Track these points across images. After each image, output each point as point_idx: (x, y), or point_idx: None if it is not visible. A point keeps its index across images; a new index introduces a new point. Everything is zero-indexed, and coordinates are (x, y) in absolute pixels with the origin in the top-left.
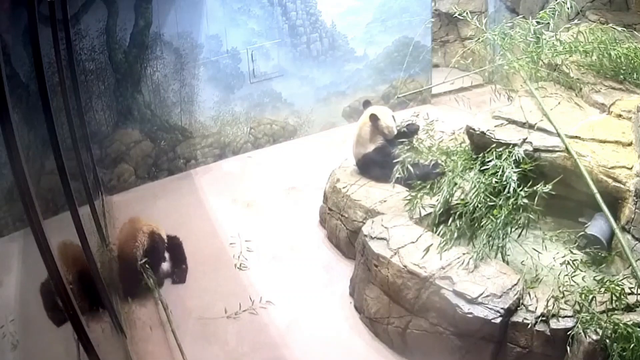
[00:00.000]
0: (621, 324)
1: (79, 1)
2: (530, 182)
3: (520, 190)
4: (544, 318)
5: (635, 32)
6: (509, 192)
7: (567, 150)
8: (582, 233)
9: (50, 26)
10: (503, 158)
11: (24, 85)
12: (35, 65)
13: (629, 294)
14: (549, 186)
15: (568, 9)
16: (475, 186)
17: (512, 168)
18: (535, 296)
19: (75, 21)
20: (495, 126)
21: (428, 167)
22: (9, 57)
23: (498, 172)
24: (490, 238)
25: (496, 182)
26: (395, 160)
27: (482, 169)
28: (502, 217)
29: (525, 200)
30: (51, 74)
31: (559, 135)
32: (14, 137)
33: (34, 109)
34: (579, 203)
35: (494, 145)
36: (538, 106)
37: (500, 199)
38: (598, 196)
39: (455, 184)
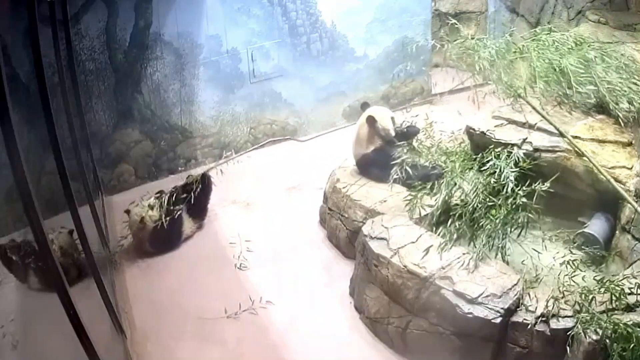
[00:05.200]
0: (621, 324)
1: (79, 1)
2: (528, 182)
3: (519, 190)
4: (544, 318)
5: (635, 32)
6: (507, 191)
7: (574, 149)
8: (580, 232)
9: (50, 26)
10: (502, 158)
11: (24, 85)
12: (35, 65)
13: (629, 294)
14: (547, 184)
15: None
16: (474, 186)
17: (510, 168)
18: (535, 296)
19: (75, 21)
20: (495, 126)
21: (427, 169)
22: (9, 57)
23: (496, 172)
24: (490, 238)
25: (495, 182)
26: (393, 162)
27: (481, 169)
28: (502, 217)
29: (524, 200)
30: (51, 74)
31: (561, 135)
32: (14, 137)
33: (34, 109)
34: (579, 203)
35: (493, 145)
36: (538, 106)
37: (499, 199)
38: (613, 183)
39: (455, 184)
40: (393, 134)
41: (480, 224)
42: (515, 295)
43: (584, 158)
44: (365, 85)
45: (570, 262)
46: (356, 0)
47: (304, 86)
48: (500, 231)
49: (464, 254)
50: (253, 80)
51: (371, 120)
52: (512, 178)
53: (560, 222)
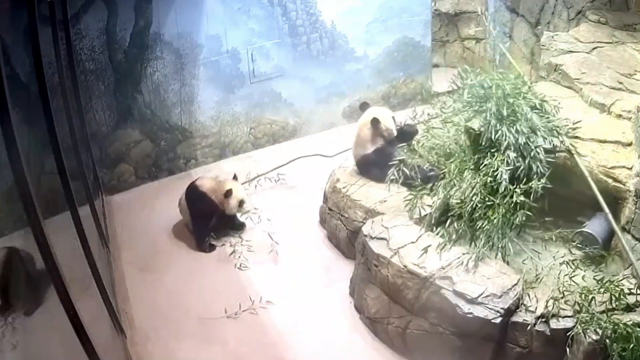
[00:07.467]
0: (621, 324)
1: (79, 1)
2: (525, 180)
3: (515, 188)
4: (543, 318)
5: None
6: (504, 191)
7: (568, 151)
8: (579, 231)
9: (50, 26)
10: (500, 158)
11: (24, 85)
12: (35, 65)
13: (629, 294)
14: (543, 180)
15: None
16: (472, 186)
17: (505, 167)
18: (535, 296)
19: (75, 21)
20: None
21: (426, 170)
22: (9, 57)
23: (494, 171)
24: (490, 238)
25: (491, 181)
26: (391, 163)
27: (478, 168)
28: (500, 217)
29: (522, 198)
30: (51, 74)
31: (559, 134)
32: (14, 137)
33: (34, 109)
34: (579, 203)
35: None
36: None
37: (497, 198)
38: (594, 187)
39: (454, 184)
40: (395, 133)
41: (480, 224)
42: (515, 295)
43: (581, 158)
44: (365, 85)
45: (570, 262)
46: (356, 0)
47: (304, 86)
48: (500, 231)
49: (463, 254)
50: (253, 80)
51: (375, 122)
52: (506, 177)
53: (560, 222)
